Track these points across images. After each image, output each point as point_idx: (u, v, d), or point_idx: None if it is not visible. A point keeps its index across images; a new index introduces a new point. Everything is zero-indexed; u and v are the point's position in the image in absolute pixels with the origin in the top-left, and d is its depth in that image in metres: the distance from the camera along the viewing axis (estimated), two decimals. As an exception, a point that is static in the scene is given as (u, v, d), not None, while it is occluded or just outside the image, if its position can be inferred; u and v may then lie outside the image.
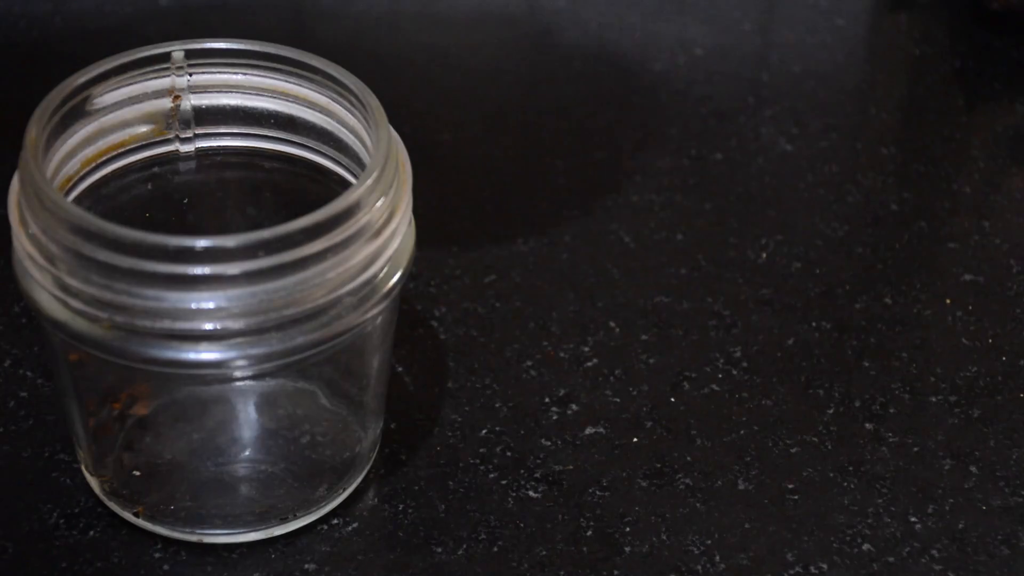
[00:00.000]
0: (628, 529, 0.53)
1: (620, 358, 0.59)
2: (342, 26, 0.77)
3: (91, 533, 0.52)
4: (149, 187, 0.55)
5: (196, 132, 0.55)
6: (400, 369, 0.58)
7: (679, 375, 0.59)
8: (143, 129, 0.55)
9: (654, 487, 0.54)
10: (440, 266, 0.63)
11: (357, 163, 0.53)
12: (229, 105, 0.55)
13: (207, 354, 0.47)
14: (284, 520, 0.52)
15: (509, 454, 0.55)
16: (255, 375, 0.53)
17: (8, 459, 0.55)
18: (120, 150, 0.54)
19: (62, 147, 0.52)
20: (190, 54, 0.53)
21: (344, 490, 0.54)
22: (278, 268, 0.46)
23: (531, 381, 0.58)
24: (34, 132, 0.49)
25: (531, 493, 0.54)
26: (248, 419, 0.55)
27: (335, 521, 0.53)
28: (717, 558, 0.52)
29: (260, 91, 0.55)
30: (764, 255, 0.64)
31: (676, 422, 0.57)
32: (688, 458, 0.56)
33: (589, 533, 0.53)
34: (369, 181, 0.48)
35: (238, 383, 0.54)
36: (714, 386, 0.58)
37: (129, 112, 0.54)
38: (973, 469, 0.56)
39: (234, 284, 0.46)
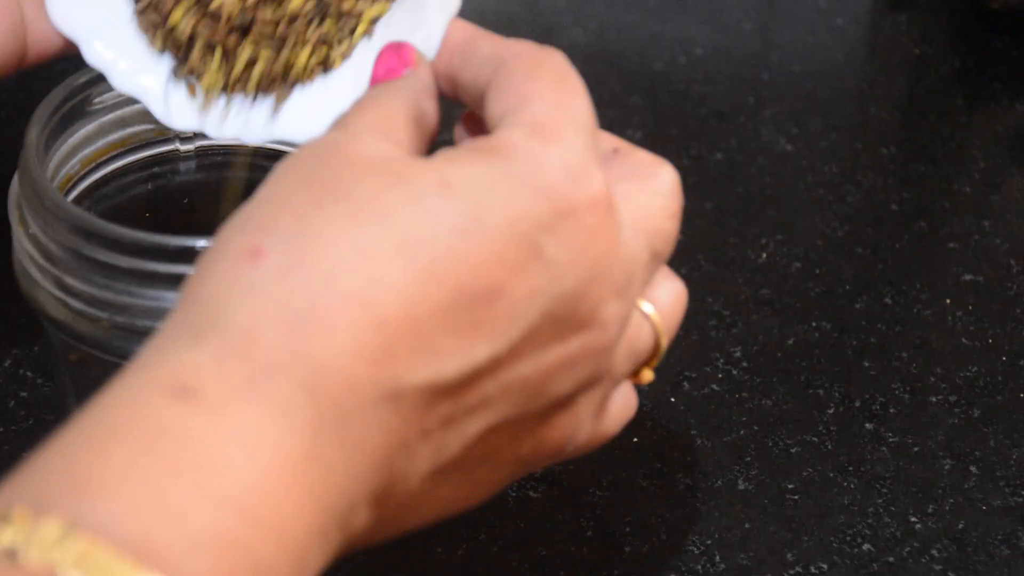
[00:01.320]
0: (628, 529, 0.53)
1: (620, 358, 0.59)
2: (342, 26, 0.77)
3: (91, 533, 0.52)
4: (149, 187, 0.55)
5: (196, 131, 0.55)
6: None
7: (679, 375, 0.59)
8: (143, 128, 0.55)
9: (654, 487, 0.54)
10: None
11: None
12: (229, 105, 0.55)
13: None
14: (284, 520, 0.52)
15: (509, 454, 0.55)
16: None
17: (8, 459, 0.55)
18: (120, 149, 0.54)
19: (62, 147, 0.52)
20: (190, 54, 0.53)
21: (344, 490, 0.54)
22: None
23: (531, 381, 0.58)
24: (34, 132, 0.49)
25: (531, 493, 0.54)
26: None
27: (335, 521, 0.53)
28: (717, 558, 0.52)
29: (260, 91, 0.54)
30: (764, 255, 0.64)
31: (676, 422, 0.57)
32: (688, 458, 0.56)
33: (589, 533, 0.53)
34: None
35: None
36: (714, 386, 0.58)
37: (129, 111, 0.54)
38: (973, 469, 0.56)
39: (234, 284, 0.46)
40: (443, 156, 0.38)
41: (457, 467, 0.39)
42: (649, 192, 0.42)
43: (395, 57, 0.43)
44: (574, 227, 0.38)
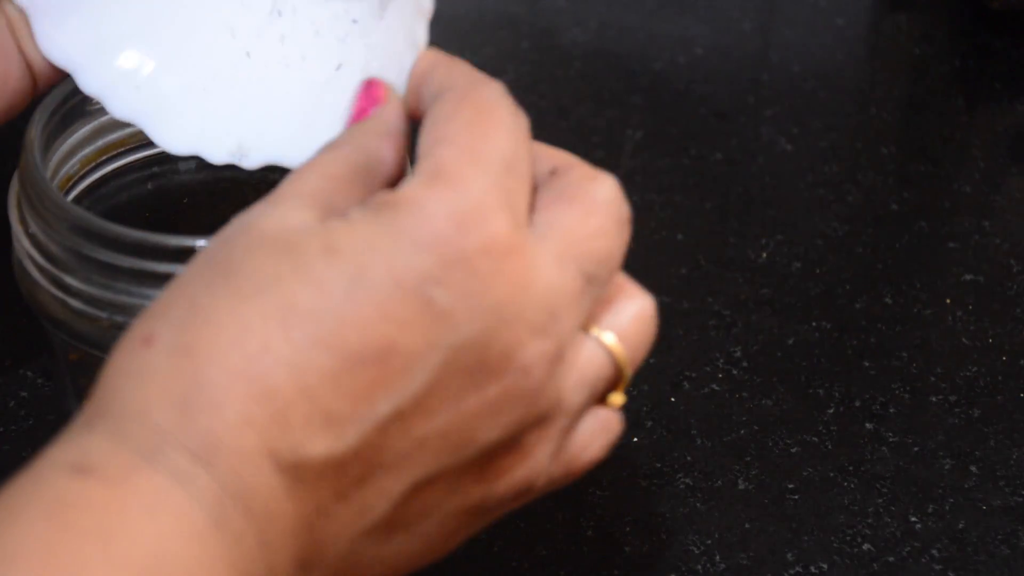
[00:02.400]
0: (628, 529, 0.53)
1: (620, 358, 0.59)
2: (342, 26, 0.77)
3: (91, 533, 0.52)
4: (149, 187, 0.55)
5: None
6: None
7: (679, 375, 0.59)
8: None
9: (654, 487, 0.54)
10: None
11: (357, 163, 0.53)
12: (229, 105, 0.55)
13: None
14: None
15: (509, 454, 0.55)
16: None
17: (8, 459, 0.55)
18: (120, 149, 0.54)
19: (62, 147, 0.52)
20: (190, 54, 0.53)
21: (344, 490, 0.54)
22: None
23: (531, 381, 0.58)
24: (34, 132, 0.49)
25: (531, 493, 0.54)
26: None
27: (335, 521, 0.53)
28: (717, 558, 0.52)
29: (260, 91, 0.55)
30: (764, 255, 0.64)
31: (676, 422, 0.57)
32: (688, 458, 0.56)
33: (589, 533, 0.53)
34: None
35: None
36: (714, 386, 0.58)
37: (129, 112, 0.54)
38: (973, 469, 0.56)
39: (234, 284, 0.46)
40: (339, 217, 0.39)
41: (395, 525, 0.39)
42: (578, 213, 0.41)
43: (365, 97, 0.43)
44: (465, 275, 0.38)
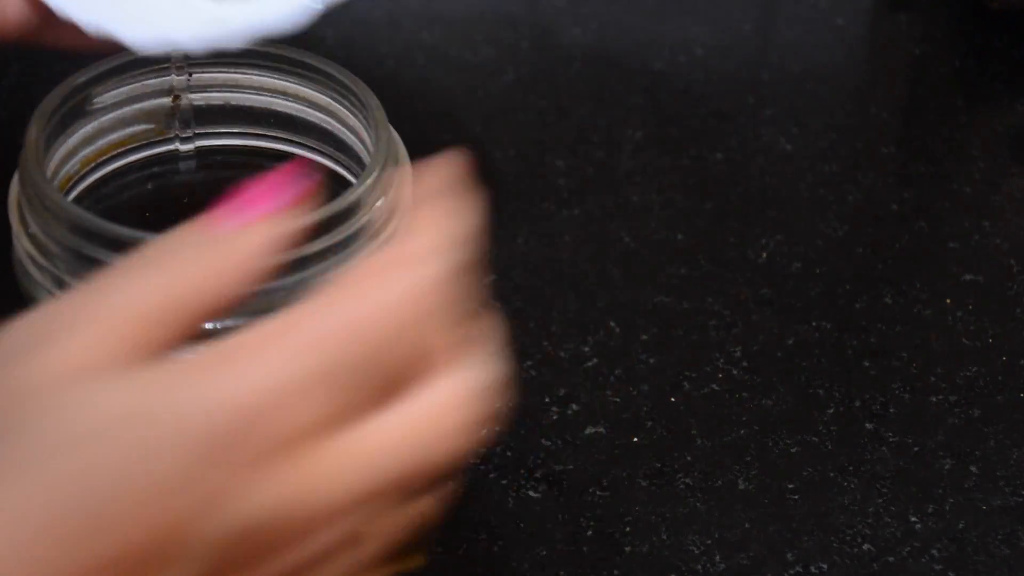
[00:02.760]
0: (628, 529, 0.53)
1: (620, 358, 0.59)
2: (342, 26, 0.77)
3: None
4: (149, 187, 0.55)
5: (196, 131, 0.55)
6: (400, 369, 0.58)
7: (679, 375, 0.59)
8: (143, 128, 0.55)
9: (654, 487, 0.54)
10: (440, 266, 0.63)
11: (357, 163, 0.53)
12: (229, 104, 0.55)
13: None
14: (284, 520, 0.52)
15: (509, 454, 0.55)
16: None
17: (8, 459, 0.55)
18: (120, 149, 0.54)
19: (62, 147, 0.52)
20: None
21: (344, 490, 0.53)
22: (278, 268, 0.46)
23: (531, 381, 0.58)
24: (34, 132, 0.49)
25: (531, 493, 0.54)
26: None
27: (335, 521, 0.53)
28: (717, 558, 0.52)
29: (260, 90, 0.55)
30: (764, 255, 0.64)
31: (676, 422, 0.57)
32: (688, 458, 0.56)
33: (589, 533, 0.53)
34: (369, 181, 0.48)
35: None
36: (714, 386, 0.58)
37: (129, 111, 0.54)
38: (973, 469, 0.56)
39: (234, 284, 0.46)
40: (120, 381, 0.35)
41: None
42: (413, 412, 0.37)
43: (270, 194, 0.38)
44: (231, 471, 0.34)
